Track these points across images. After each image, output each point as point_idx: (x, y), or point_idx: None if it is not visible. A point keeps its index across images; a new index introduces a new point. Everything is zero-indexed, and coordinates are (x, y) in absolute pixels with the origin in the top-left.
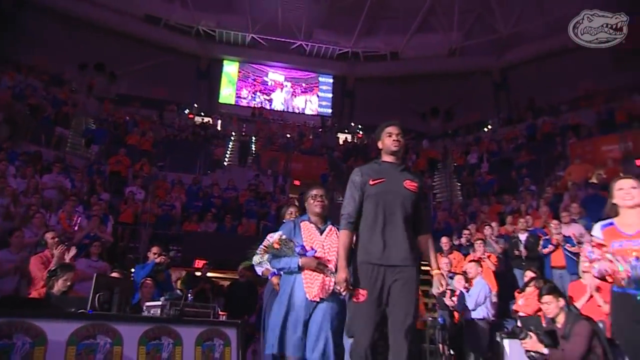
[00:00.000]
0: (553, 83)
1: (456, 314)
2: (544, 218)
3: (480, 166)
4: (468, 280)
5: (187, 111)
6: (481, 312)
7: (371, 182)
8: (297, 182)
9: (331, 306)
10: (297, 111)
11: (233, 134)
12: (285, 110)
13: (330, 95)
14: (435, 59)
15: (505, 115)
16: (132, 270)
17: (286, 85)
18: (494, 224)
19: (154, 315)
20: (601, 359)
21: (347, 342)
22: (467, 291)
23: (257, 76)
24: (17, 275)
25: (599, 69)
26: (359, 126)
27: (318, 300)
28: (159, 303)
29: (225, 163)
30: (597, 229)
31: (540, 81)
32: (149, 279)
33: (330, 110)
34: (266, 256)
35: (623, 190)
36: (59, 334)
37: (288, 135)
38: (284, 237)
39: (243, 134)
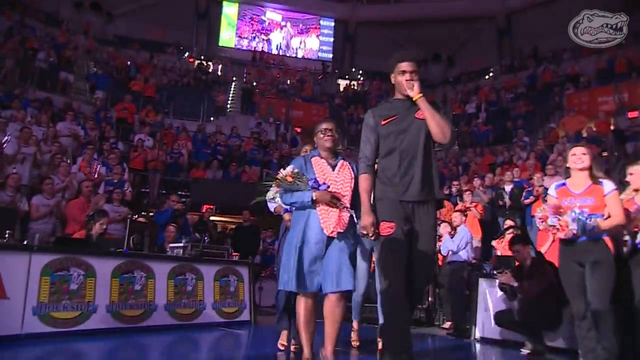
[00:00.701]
0: (558, 30)
1: (440, 257)
2: (531, 170)
3: (478, 116)
4: (453, 227)
5: (186, 54)
6: (463, 255)
7: (382, 122)
8: (298, 129)
9: (346, 241)
10: (297, 55)
11: (234, 79)
12: (285, 54)
13: (331, 39)
14: (439, 2)
15: (508, 62)
16: (152, 214)
17: (286, 26)
18: (488, 176)
19: (178, 255)
20: (556, 295)
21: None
22: (452, 237)
23: (254, 14)
24: (52, 217)
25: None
26: (360, 72)
27: (334, 235)
28: (182, 245)
29: (228, 110)
30: (552, 189)
31: (545, 27)
32: (172, 224)
33: (331, 55)
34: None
35: (575, 155)
36: (105, 268)
37: (289, 82)
38: (296, 170)
39: (244, 80)
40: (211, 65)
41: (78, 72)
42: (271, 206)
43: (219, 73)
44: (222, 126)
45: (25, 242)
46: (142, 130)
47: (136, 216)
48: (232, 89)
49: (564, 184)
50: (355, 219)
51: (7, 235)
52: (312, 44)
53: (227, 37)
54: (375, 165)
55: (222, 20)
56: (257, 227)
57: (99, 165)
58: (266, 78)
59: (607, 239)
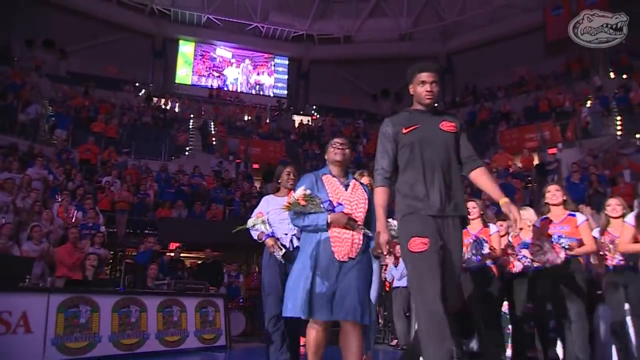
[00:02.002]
0: (492, 69)
1: (387, 284)
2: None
3: None
4: (396, 257)
5: (142, 92)
6: (404, 282)
7: (404, 131)
8: (256, 166)
9: (359, 266)
10: (252, 92)
11: (192, 116)
12: (241, 91)
13: (285, 77)
14: (386, 43)
15: (450, 99)
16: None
17: (243, 62)
18: None
19: (166, 290)
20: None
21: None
22: (396, 266)
23: (204, 51)
24: (41, 262)
25: (534, 57)
26: (314, 107)
27: (347, 260)
28: (165, 281)
29: (188, 148)
30: (538, 221)
31: (481, 67)
32: (152, 263)
33: (285, 92)
34: (260, 219)
35: (550, 192)
36: (106, 304)
37: (247, 118)
38: (308, 192)
39: (202, 118)
40: (169, 103)
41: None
42: (254, 234)
43: (177, 110)
44: (184, 165)
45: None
46: (106, 170)
47: (129, 259)
48: (190, 126)
49: (546, 218)
50: (369, 240)
51: (27, 280)
52: (267, 81)
53: (184, 74)
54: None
55: (179, 58)
56: (219, 262)
57: (75, 210)
58: (223, 115)
59: (580, 259)
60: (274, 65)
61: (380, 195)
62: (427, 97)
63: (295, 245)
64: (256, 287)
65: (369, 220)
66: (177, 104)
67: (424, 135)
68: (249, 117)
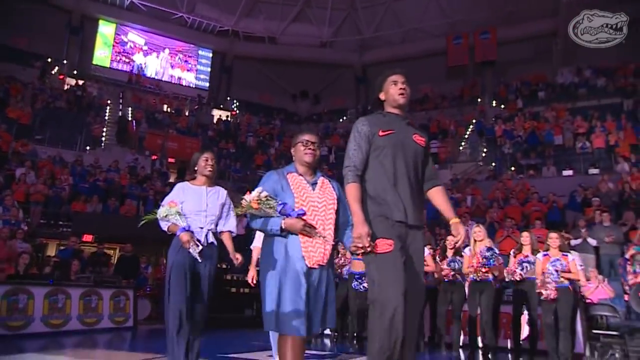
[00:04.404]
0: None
1: None
2: None
3: (329, 158)
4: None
5: (56, 69)
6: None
7: (381, 133)
8: (171, 160)
9: (328, 272)
10: (173, 81)
11: (109, 102)
12: (161, 79)
13: (208, 69)
14: (308, 48)
15: (362, 107)
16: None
17: (163, 51)
18: None
19: (86, 283)
20: None
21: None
22: None
23: (117, 34)
24: None
25: (437, 78)
26: (235, 101)
27: (316, 267)
28: (86, 275)
29: (103, 141)
30: (540, 256)
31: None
32: (74, 259)
33: (207, 85)
34: (174, 209)
35: (552, 239)
36: (39, 294)
37: (165, 108)
38: (263, 194)
39: (120, 105)
40: (84, 85)
41: None
42: (164, 225)
43: (95, 94)
44: (99, 158)
45: None
46: (19, 159)
47: (53, 256)
48: (107, 116)
49: (546, 254)
50: (338, 247)
51: None
52: (190, 72)
53: (102, 55)
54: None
55: (98, 38)
56: (137, 256)
57: None
58: (143, 104)
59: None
60: (198, 57)
61: (354, 190)
62: (401, 94)
63: (209, 241)
64: (162, 277)
65: (340, 220)
66: (95, 90)
67: (399, 142)
68: (168, 109)
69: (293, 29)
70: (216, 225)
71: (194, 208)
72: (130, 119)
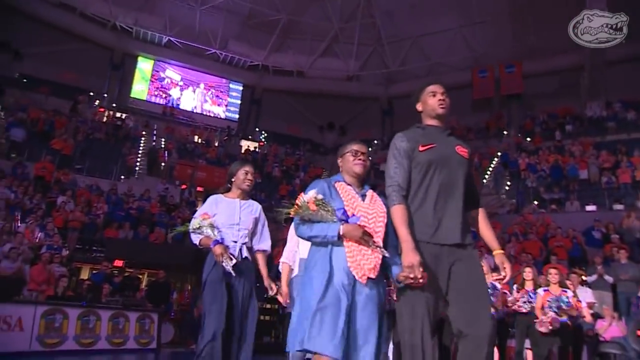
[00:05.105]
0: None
1: None
2: None
3: None
4: None
5: (97, 102)
6: None
7: (421, 148)
8: (200, 189)
9: (377, 291)
10: (205, 113)
11: (144, 133)
12: (194, 111)
13: (238, 101)
14: (335, 81)
15: (387, 139)
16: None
17: (199, 86)
18: None
19: (115, 306)
20: None
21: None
22: None
23: (156, 71)
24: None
25: (462, 110)
26: (263, 132)
27: (364, 280)
28: (118, 298)
29: (137, 170)
30: (540, 291)
31: (418, 113)
32: (105, 283)
33: (237, 116)
34: (206, 221)
35: (551, 275)
36: (73, 314)
37: (196, 139)
38: (320, 196)
39: (154, 137)
40: (123, 116)
41: None
42: (195, 238)
43: (131, 126)
44: (132, 187)
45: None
46: (60, 188)
47: (86, 279)
48: (141, 147)
49: (547, 289)
50: (388, 261)
51: (21, 295)
52: (220, 106)
53: (139, 89)
54: None
55: (136, 73)
56: (169, 283)
57: (39, 233)
58: (175, 135)
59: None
60: (229, 90)
61: (400, 212)
62: (441, 106)
63: (243, 256)
64: (187, 303)
65: (387, 238)
66: (131, 121)
67: (442, 157)
68: (199, 139)
69: (321, 63)
70: (251, 241)
71: (226, 221)
72: (162, 149)
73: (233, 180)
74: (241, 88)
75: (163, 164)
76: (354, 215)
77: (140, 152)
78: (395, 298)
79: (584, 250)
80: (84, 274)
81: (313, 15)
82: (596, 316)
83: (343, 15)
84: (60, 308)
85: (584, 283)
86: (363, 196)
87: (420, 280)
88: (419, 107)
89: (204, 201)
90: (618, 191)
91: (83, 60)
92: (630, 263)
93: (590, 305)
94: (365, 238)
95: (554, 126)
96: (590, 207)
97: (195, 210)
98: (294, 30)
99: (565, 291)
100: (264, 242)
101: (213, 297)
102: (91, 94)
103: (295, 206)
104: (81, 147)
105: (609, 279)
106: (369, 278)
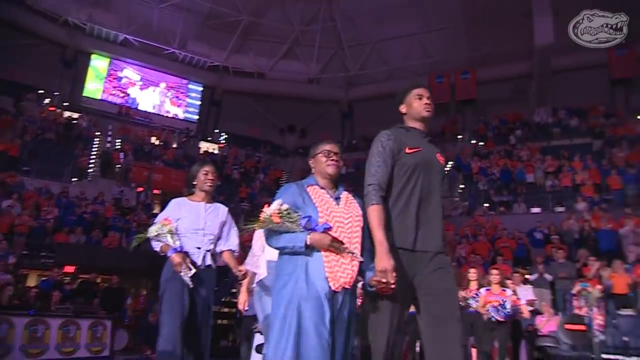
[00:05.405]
0: (387, 120)
1: None
2: None
3: None
4: None
5: (47, 101)
6: None
7: (408, 150)
8: (156, 192)
9: (352, 299)
10: (162, 114)
11: (98, 133)
12: (151, 112)
13: (198, 102)
14: (296, 83)
15: (347, 142)
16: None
17: (158, 85)
18: None
19: (65, 313)
20: None
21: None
22: None
23: (112, 70)
24: None
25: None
26: (222, 134)
27: (340, 290)
28: (67, 306)
29: (90, 172)
30: (483, 291)
31: (377, 117)
32: (55, 290)
33: (196, 117)
34: (166, 227)
35: (492, 275)
36: (19, 324)
37: (153, 140)
38: (284, 206)
39: (108, 139)
40: (76, 116)
41: None
42: (155, 245)
43: (84, 125)
44: (85, 190)
45: None
46: (5, 191)
47: (33, 287)
48: (94, 148)
49: (488, 289)
50: (362, 266)
51: None
52: (180, 107)
53: (93, 88)
54: None
55: (89, 71)
56: (123, 289)
57: None
58: (131, 136)
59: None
60: (188, 91)
61: (377, 214)
62: (427, 109)
63: (207, 264)
64: (142, 309)
65: (363, 242)
66: (84, 121)
67: (425, 160)
68: (157, 140)
69: (282, 66)
70: (215, 246)
71: (190, 226)
72: (116, 150)
73: (195, 182)
74: (201, 89)
75: (118, 165)
76: (325, 222)
77: (93, 153)
78: (361, 300)
79: (529, 251)
80: (31, 282)
81: (274, 17)
82: (536, 312)
83: (304, 18)
84: (6, 317)
85: (526, 282)
86: (337, 199)
87: (392, 286)
88: (403, 109)
89: (161, 204)
90: (560, 194)
91: (33, 57)
92: (567, 262)
93: (530, 303)
94: (334, 245)
95: (505, 131)
96: (535, 209)
97: (152, 214)
98: (254, 31)
99: (505, 290)
100: (231, 241)
101: (170, 306)
102: (41, 91)
103: (259, 220)
104: (29, 148)
105: (548, 277)
106: (344, 288)
